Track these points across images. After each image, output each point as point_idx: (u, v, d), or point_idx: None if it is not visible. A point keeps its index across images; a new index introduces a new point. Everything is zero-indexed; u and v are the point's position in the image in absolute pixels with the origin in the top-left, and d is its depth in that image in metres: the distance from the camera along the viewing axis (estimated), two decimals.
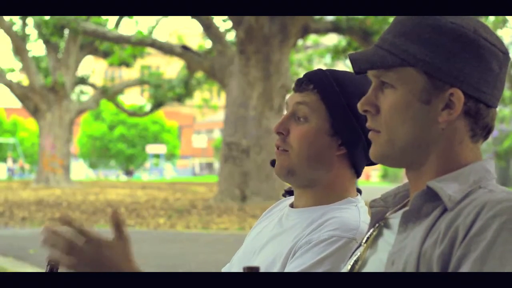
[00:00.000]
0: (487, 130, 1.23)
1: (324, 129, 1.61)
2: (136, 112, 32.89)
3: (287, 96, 1.70)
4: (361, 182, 38.54)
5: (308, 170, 1.62)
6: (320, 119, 1.61)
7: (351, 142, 1.61)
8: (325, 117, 1.61)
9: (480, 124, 1.21)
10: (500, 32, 21.57)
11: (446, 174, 1.20)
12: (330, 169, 1.63)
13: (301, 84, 1.64)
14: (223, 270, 1.79)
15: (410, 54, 1.20)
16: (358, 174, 1.67)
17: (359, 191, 1.71)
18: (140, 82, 29.29)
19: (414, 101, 1.20)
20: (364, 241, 1.32)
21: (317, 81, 1.63)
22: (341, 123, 1.61)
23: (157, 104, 28.76)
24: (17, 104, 39.97)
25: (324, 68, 1.72)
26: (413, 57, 1.19)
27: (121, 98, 33.71)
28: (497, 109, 1.25)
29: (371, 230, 1.32)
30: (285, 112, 1.68)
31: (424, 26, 1.20)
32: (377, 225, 1.31)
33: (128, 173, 47.21)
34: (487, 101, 1.20)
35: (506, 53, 1.22)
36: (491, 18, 19.79)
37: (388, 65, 1.21)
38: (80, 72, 28.35)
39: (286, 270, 1.55)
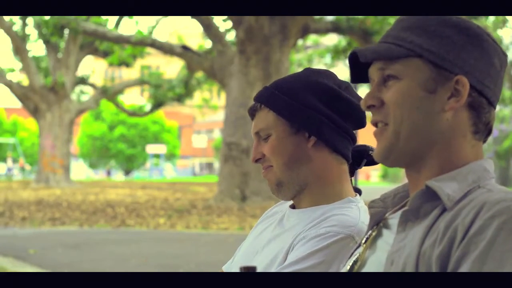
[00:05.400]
0: (488, 129, 1.24)
1: (286, 133, 1.67)
2: (136, 112, 32.88)
3: None
4: (361, 182, 38.50)
5: (292, 174, 1.66)
6: (278, 127, 1.67)
7: (314, 127, 1.65)
8: (281, 122, 1.67)
9: (482, 119, 1.22)
10: (500, 32, 21.56)
11: (446, 172, 1.20)
12: (309, 161, 1.66)
13: (250, 110, 1.72)
14: (224, 267, 1.82)
15: (416, 45, 1.21)
16: (344, 157, 1.68)
17: (358, 191, 1.72)
18: (140, 82, 29.27)
19: (419, 90, 1.20)
20: (363, 241, 1.32)
21: (257, 98, 1.70)
22: (294, 116, 1.65)
23: (157, 104, 28.76)
24: (17, 104, 40.03)
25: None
26: (419, 47, 1.21)
27: (121, 98, 33.70)
28: (497, 109, 1.26)
29: (370, 231, 1.32)
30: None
31: (429, 21, 1.22)
32: (376, 226, 1.31)
33: (127, 172, 46.71)
34: (489, 96, 1.22)
35: (505, 54, 1.24)
36: (491, 18, 19.79)
37: (394, 55, 1.22)
38: (80, 72, 28.35)
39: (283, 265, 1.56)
